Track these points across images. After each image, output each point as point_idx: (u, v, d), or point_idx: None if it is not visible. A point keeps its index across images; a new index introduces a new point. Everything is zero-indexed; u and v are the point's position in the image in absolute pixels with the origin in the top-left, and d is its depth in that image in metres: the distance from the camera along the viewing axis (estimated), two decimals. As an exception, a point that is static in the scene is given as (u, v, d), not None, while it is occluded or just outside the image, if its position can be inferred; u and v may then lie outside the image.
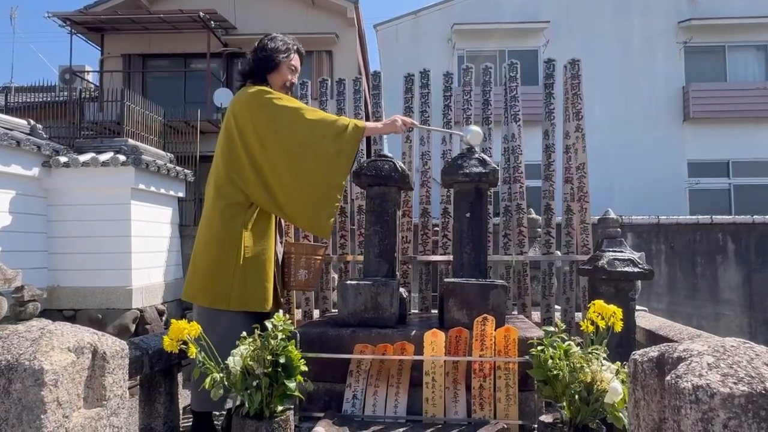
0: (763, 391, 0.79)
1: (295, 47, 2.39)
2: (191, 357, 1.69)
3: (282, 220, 2.49)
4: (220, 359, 1.95)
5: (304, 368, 1.83)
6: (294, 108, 2.25)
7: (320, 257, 2.50)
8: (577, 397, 1.66)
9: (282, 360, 1.77)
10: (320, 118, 2.26)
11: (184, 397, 2.72)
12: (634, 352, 1.08)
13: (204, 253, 2.22)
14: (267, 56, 2.32)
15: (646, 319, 3.23)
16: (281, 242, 2.46)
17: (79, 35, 11.66)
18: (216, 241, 2.19)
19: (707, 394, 0.80)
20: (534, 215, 5.06)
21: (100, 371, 1.10)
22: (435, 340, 2.13)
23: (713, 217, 8.99)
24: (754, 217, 8.94)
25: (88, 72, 12.65)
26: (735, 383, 0.80)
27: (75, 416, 1.04)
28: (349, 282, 2.41)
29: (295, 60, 2.40)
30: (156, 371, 2.25)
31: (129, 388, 2.13)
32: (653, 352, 1.01)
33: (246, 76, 2.38)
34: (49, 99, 10.83)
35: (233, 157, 2.24)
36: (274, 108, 2.22)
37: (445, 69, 3.58)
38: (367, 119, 3.75)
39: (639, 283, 3.25)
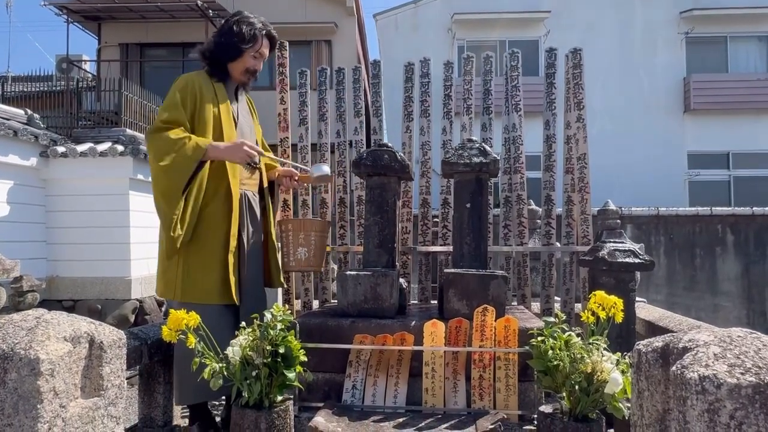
0: (771, 382, 0.78)
1: (264, 31, 2.22)
2: (190, 347, 1.68)
3: (259, 205, 2.33)
4: (179, 352, 1.96)
5: (304, 358, 1.82)
6: (158, 118, 2.11)
7: (322, 233, 2.29)
8: (577, 387, 1.66)
9: (281, 350, 1.77)
10: (165, 135, 2.05)
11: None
12: (638, 343, 1.07)
13: (159, 244, 2.18)
14: (229, 43, 2.16)
15: (645, 310, 3.22)
16: (250, 227, 2.26)
17: (76, 24, 11.55)
18: (162, 232, 2.12)
19: (714, 384, 0.79)
20: (534, 206, 5.04)
21: (97, 361, 1.09)
22: (435, 331, 2.12)
23: (713, 208, 8.99)
24: (754, 208, 8.93)
25: (85, 61, 12.57)
26: (742, 374, 0.79)
27: (72, 406, 1.03)
28: (348, 272, 2.40)
29: (264, 46, 2.24)
30: (155, 361, 2.24)
31: (128, 378, 2.14)
32: (658, 342, 1.00)
33: (204, 58, 2.22)
34: (46, 88, 10.75)
35: None
36: (160, 109, 2.15)
37: (445, 59, 3.54)
38: (366, 109, 3.72)
39: (638, 274, 3.24)
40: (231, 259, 2.12)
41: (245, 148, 2.11)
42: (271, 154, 2.52)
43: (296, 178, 2.48)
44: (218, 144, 2.11)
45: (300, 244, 2.25)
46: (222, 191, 2.15)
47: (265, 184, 2.42)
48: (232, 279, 2.12)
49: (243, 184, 2.25)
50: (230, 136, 2.18)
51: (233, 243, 2.14)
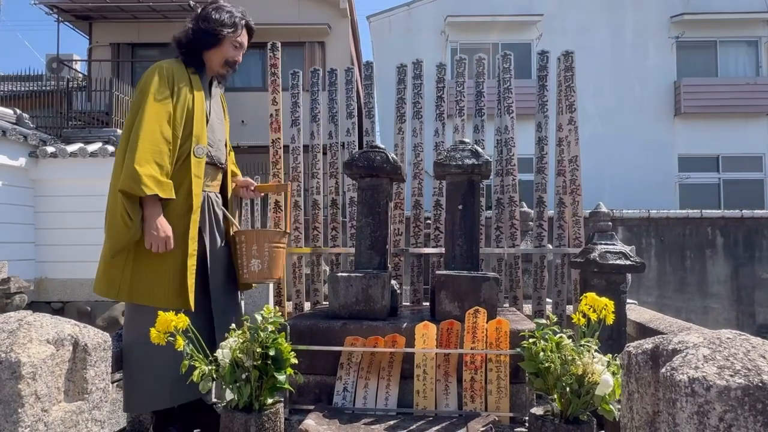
0: (760, 384, 0.78)
1: (243, 21, 2.12)
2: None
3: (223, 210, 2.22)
4: (130, 356, 1.90)
5: (295, 361, 1.81)
6: (144, 113, 1.90)
7: (278, 245, 2.19)
8: (568, 389, 1.65)
9: (272, 352, 1.75)
10: (142, 143, 1.86)
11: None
12: (628, 345, 1.07)
13: (104, 239, 2.01)
14: (209, 29, 2.03)
15: (636, 312, 3.24)
16: (215, 231, 2.16)
17: (66, 23, 11.47)
18: (110, 226, 1.93)
19: (703, 386, 0.79)
20: (526, 208, 5.05)
21: (81, 364, 1.07)
22: (426, 333, 2.11)
23: (702, 211, 9.07)
24: (743, 211, 9.03)
25: (76, 61, 12.47)
26: (731, 376, 0.79)
27: (55, 410, 1.01)
28: (340, 274, 2.38)
29: (243, 36, 2.14)
30: (143, 364, 2.20)
31: (117, 381, 2.10)
32: (648, 344, 1.00)
33: (179, 47, 2.07)
34: (36, 88, 10.66)
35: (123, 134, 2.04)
36: (141, 98, 1.93)
37: (437, 61, 3.54)
38: (359, 110, 3.72)
39: (629, 276, 3.25)
40: (190, 261, 1.97)
41: (161, 238, 1.92)
42: (233, 156, 2.41)
43: (253, 188, 2.40)
44: (156, 217, 1.92)
45: (254, 255, 2.16)
46: (183, 189, 1.99)
47: (230, 189, 2.30)
48: (190, 283, 1.97)
49: (207, 185, 2.13)
50: (200, 132, 2.04)
51: (192, 246, 1.99)
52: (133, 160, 1.85)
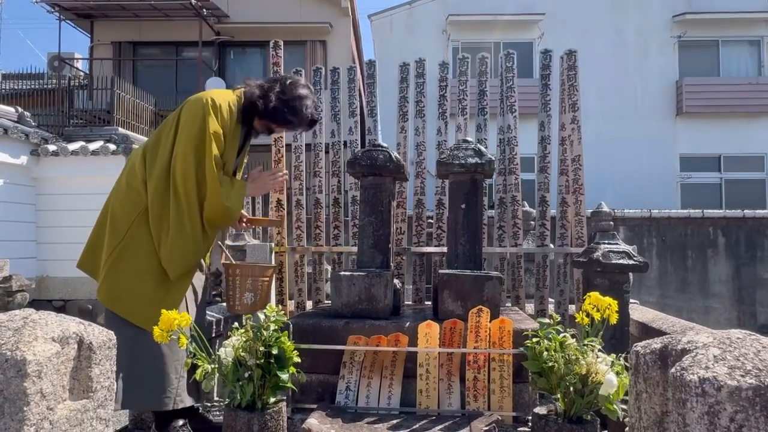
0: (771, 384, 0.77)
1: (310, 119, 2.16)
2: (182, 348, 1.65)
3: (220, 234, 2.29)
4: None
5: (297, 359, 1.81)
6: (207, 149, 1.93)
7: (268, 279, 2.30)
8: (571, 389, 1.65)
9: (275, 351, 1.75)
10: (214, 202, 1.96)
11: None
12: (635, 344, 1.07)
13: (98, 224, 2.12)
14: (282, 114, 2.08)
15: (638, 312, 3.23)
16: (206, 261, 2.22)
17: (68, 21, 11.47)
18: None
19: (714, 387, 0.79)
20: (528, 208, 5.05)
21: (86, 362, 1.07)
22: (429, 332, 2.11)
23: (704, 211, 9.06)
24: (745, 211, 9.01)
25: (77, 59, 12.47)
26: (742, 376, 0.79)
27: (60, 408, 1.00)
28: (342, 273, 2.38)
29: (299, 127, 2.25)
30: (146, 362, 2.20)
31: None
32: (656, 344, 1.00)
33: (252, 102, 2.07)
34: (37, 86, 10.66)
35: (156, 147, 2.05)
36: (202, 133, 1.94)
37: (439, 60, 3.53)
38: (361, 109, 3.71)
39: (631, 275, 3.24)
40: (188, 279, 2.04)
41: (270, 179, 2.23)
42: None
43: (244, 220, 2.40)
44: (251, 190, 2.21)
45: (248, 289, 2.21)
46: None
47: None
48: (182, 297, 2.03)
49: None
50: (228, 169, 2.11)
51: (198, 268, 2.10)
52: (214, 195, 1.97)
